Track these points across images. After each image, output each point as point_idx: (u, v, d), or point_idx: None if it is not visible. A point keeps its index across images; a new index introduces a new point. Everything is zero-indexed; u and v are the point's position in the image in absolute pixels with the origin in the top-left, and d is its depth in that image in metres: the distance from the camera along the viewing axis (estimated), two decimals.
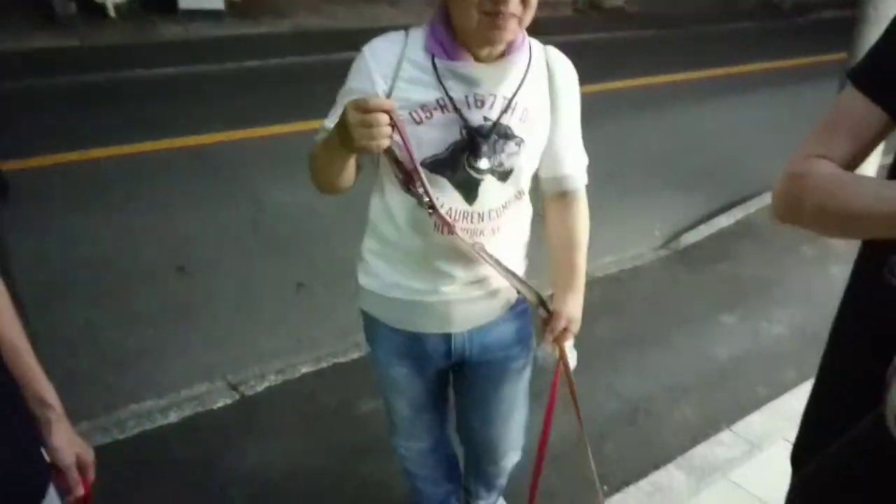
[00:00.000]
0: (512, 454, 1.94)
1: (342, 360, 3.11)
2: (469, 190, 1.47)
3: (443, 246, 1.51)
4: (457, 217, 1.48)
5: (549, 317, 1.63)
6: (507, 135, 1.47)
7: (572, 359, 1.70)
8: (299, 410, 2.81)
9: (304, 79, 7.58)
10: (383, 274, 1.61)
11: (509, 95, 1.46)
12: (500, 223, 1.54)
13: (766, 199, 4.99)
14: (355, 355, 3.12)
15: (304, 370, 3.03)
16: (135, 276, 3.73)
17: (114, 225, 4.26)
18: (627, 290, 3.80)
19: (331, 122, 1.42)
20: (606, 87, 7.30)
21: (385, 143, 1.27)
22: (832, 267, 4.01)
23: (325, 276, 3.79)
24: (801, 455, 1.32)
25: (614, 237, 4.49)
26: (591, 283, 3.83)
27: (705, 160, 5.89)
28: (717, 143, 6.34)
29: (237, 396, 2.87)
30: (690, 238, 4.46)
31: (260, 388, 2.92)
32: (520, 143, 1.49)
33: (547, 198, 1.66)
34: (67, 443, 1.15)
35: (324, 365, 3.07)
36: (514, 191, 1.54)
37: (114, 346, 3.19)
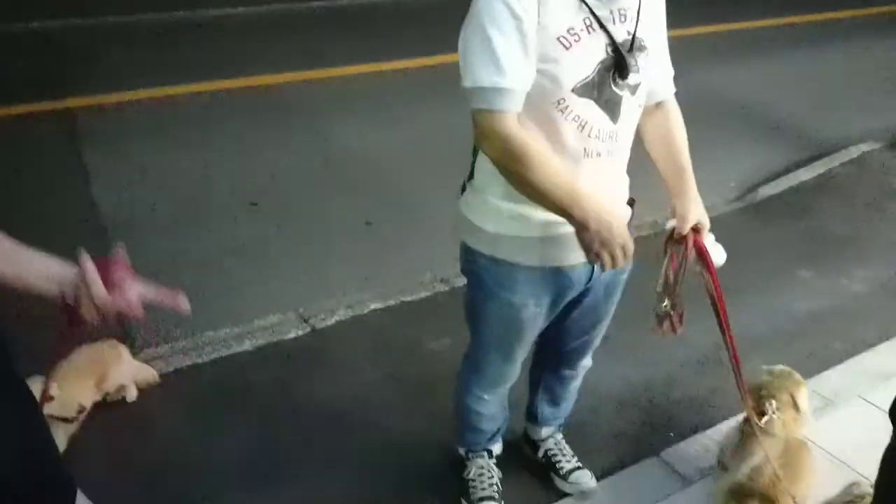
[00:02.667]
0: (588, 361, 2.04)
1: (409, 298, 3.15)
2: (613, 109, 1.49)
3: (592, 170, 1.52)
4: (603, 138, 1.50)
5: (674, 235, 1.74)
6: (641, 46, 1.49)
7: (719, 254, 1.76)
8: (368, 345, 2.87)
9: (374, 19, 7.54)
10: (523, 215, 1.55)
11: (637, 6, 1.47)
12: (629, 139, 1.60)
13: (851, 153, 4.77)
14: (423, 294, 3.16)
15: (373, 306, 3.08)
16: (211, 211, 3.84)
17: (190, 161, 4.37)
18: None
19: (483, 77, 1.37)
20: (683, 32, 6.99)
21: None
22: None
23: (392, 215, 3.82)
24: None
25: None
26: (660, 235, 3.79)
27: (785, 111, 5.63)
28: (799, 93, 6.05)
29: (308, 329, 2.95)
30: (768, 191, 4.30)
31: (330, 322, 2.99)
32: (648, 53, 1.51)
33: (644, 111, 1.64)
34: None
35: (392, 302, 3.12)
36: (641, 104, 1.57)
37: (192, 276, 3.29)
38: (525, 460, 2.25)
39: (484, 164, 1.57)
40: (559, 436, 2.23)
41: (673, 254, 1.77)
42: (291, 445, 2.34)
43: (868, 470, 1.78)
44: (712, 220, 4.01)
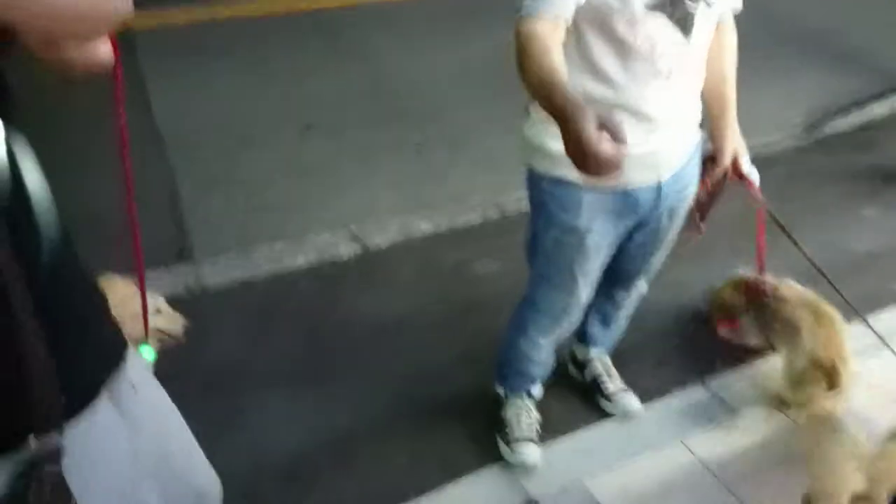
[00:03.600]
0: (644, 282, 2.03)
1: (459, 222, 3.17)
2: (686, 25, 1.44)
3: (662, 91, 1.48)
4: (675, 56, 1.46)
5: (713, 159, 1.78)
6: None
7: (755, 176, 1.87)
8: (416, 266, 2.91)
9: None
10: None
11: None
12: (703, 58, 1.55)
13: None
14: (472, 218, 3.17)
15: (423, 228, 3.11)
16: (266, 132, 3.88)
17: (244, 83, 4.39)
18: (765, 173, 3.60)
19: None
20: None
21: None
22: None
23: (442, 139, 3.80)
24: None
25: (748, 121, 4.20)
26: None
27: (863, 38, 5.31)
28: (880, 19, 5.68)
29: (359, 248, 3.00)
30: (836, 125, 4.12)
31: (380, 241, 3.03)
32: None
33: None
34: None
35: (441, 225, 3.14)
36: (714, 20, 1.52)
37: (247, 192, 3.37)
38: (563, 393, 2.26)
39: None
40: (606, 358, 2.23)
41: (707, 178, 1.84)
42: (336, 359, 2.42)
43: None
44: (776, 154, 3.93)
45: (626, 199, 1.62)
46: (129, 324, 1.98)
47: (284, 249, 2.97)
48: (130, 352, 1.09)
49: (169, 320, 1.98)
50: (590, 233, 1.65)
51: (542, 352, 1.98)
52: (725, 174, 1.87)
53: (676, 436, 2.10)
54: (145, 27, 4.98)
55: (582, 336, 2.20)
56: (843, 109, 4.33)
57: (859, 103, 4.39)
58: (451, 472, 2.00)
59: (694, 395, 2.26)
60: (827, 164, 3.74)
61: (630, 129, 1.45)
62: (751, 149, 3.90)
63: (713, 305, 2.48)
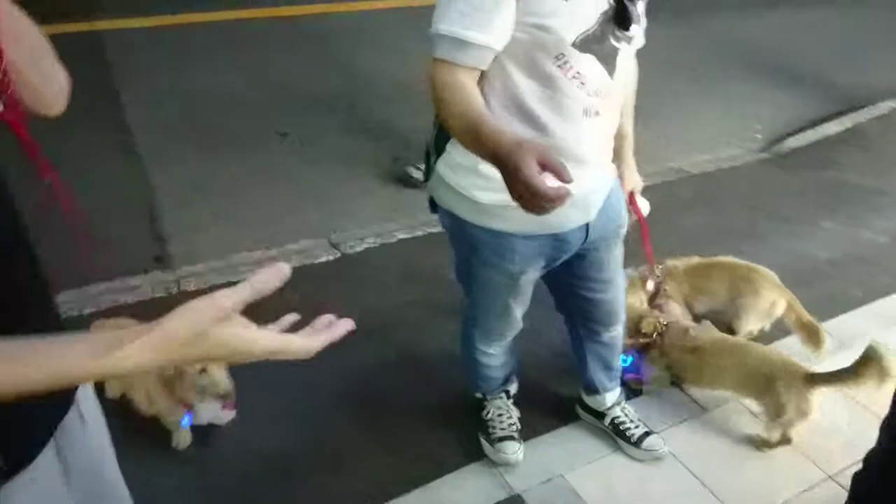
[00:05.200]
0: (622, 317, 2.01)
1: (436, 230, 3.21)
2: (610, 63, 1.43)
3: (591, 130, 1.48)
4: (602, 95, 1.44)
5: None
6: None
7: (645, 206, 1.93)
8: (395, 272, 2.95)
9: None
10: None
11: None
12: (621, 95, 1.55)
13: (882, 108, 4.74)
14: None
15: (401, 236, 3.16)
16: (241, 138, 3.90)
17: (220, 88, 4.41)
18: (723, 189, 3.74)
19: (448, 25, 1.31)
20: None
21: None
22: None
23: (419, 151, 3.85)
24: None
25: (711, 137, 4.38)
26: (684, 181, 3.84)
27: (818, 61, 5.56)
28: (834, 44, 5.96)
29: (338, 254, 3.04)
30: (793, 143, 4.30)
31: (359, 249, 3.07)
32: (643, 1, 1.46)
33: None
34: None
35: (419, 233, 3.19)
36: (632, 57, 1.53)
37: (223, 201, 3.38)
38: (541, 394, 2.30)
39: None
40: (624, 401, 2.17)
41: None
42: (321, 361, 2.41)
43: (878, 405, 1.86)
44: (738, 168, 4.08)
45: (556, 242, 1.64)
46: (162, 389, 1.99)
47: (263, 257, 3.00)
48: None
49: (216, 381, 1.93)
50: (524, 274, 1.68)
51: (495, 358, 2.02)
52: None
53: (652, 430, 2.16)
54: (116, 29, 4.98)
55: (592, 389, 2.13)
56: (801, 128, 4.52)
57: (815, 122, 4.59)
58: (437, 470, 2.04)
59: (667, 395, 2.34)
60: (787, 177, 3.90)
61: None
62: (717, 161, 4.09)
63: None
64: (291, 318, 0.79)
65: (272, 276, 0.71)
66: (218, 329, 0.67)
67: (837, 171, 3.97)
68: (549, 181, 1.09)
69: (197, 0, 5.54)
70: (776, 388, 2.04)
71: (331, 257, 3.02)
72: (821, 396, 2.06)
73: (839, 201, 3.63)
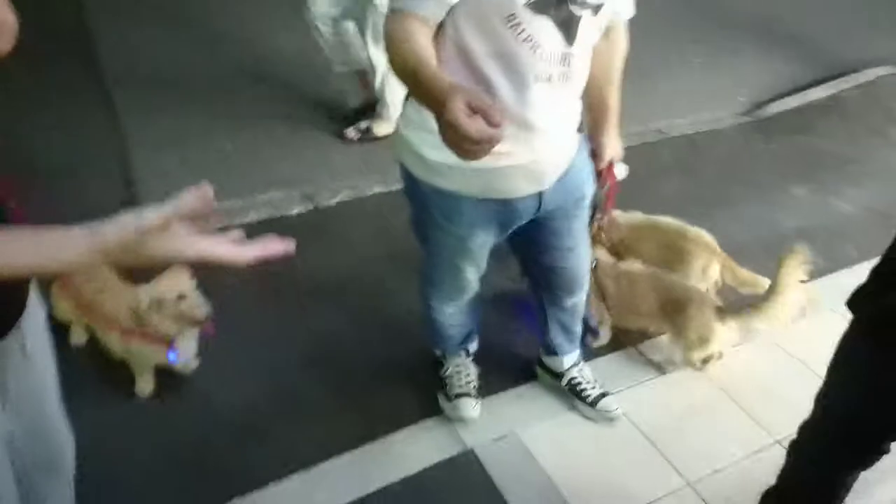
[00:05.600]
0: (584, 286, 2.03)
1: None
2: (569, 29, 1.40)
3: (541, 95, 1.44)
4: (554, 61, 1.42)
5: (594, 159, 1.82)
6: None
7: (622, 170, 1.95)
8: (367, 225, 2.96)
9: None
10: None
11: None
12: (586, 63, 1.52)
13: (867, 75, 4.72)
14: None
15: (376, 189, 3.15)
16: (216, 88, 3.84)
17: (197, 38, 4.32)
18: (701, 153, 3.75)
19: None
20: None
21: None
22: None
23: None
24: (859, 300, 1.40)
25: (696, 99, 4.36)
26: (664, 142, 3.84)
27: (808, 26, 5.50)
28: (822, 9, 5.89)
29: (311, 206, 3.04)
30: (776, 107, 4.30)
31: (332, 202, 3.07)
32: None
33: None
34: None
35: (393, 188, 3.18)
36: (601, 26, 1.49)
37: (196, 150, 3.35)
38: (500, 353, 2.34)
39: None
40: (581, 363, 2.20)
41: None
42: (285, 315, 2.47)
43: None
44: (717, 132, 4.04)
45: (505, 209, 1.62)
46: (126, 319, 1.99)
47: (234, 206, 2.99)
48: (30, 300, 1.10)
49: (194, 306, 1.96)
50: (471, 237, 1.68)
51: (453, 317, 2.04)
52: (600, 173, 1.92)
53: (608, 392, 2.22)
54: None
55: (550, 350, 2.16)
56: (785, 93, 4.51)
57: (799, 88, 4.57)
58: (396, 424, 2.09)
59: (626, 356, 2.39)
60: (764, 143, 3.91)
61: (511, 137, 1.41)
62: (699, 124, 4.08)
63: None
64: (236, 234, 0.89)
65: (195, 197, 0.81)
66: (147, 241, 0.79)
67: (815, 137, 3.98)
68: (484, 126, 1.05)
69: None
70: (687, 311, 2.21)
71: (303, 209, 3.02)
72: (730, 330, 2.24)
73: (813, 168, 3.65)
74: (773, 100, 4.42)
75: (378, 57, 3.29)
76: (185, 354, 2.09)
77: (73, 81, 3.76)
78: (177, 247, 0.80)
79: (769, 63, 4.94)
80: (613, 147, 1.89)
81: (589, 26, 1.44)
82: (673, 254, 2.49)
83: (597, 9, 1.43)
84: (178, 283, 1.96)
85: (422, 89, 1.20)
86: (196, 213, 0.81)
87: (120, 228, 0.78)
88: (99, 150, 3.30)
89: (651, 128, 3.96)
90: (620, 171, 1.98)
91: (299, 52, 4.23)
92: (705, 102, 4.34)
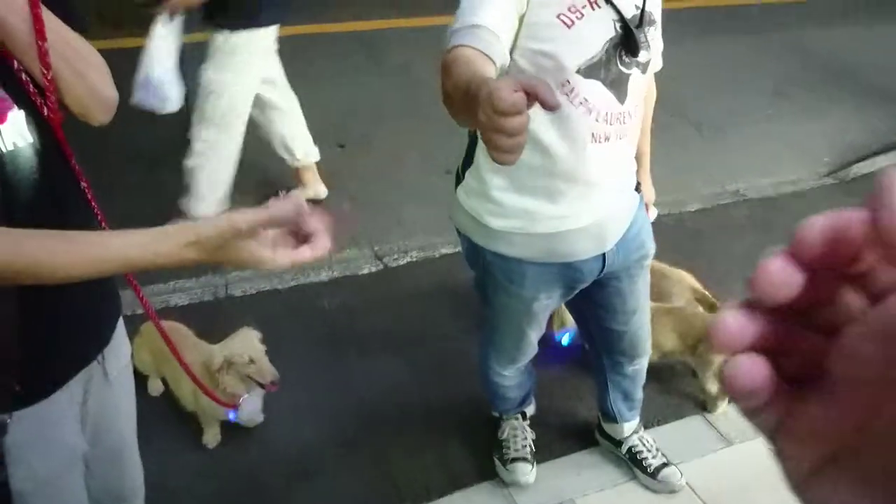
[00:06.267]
0: (647, 350, 1.98)
1: None
2: (620, 88, 1.43)
3: (599, 156, 1.47)
4: (611, 121, 1.44)
5: None
6: (651, 20, 1.44)
7: (652, 213, 1.92)
8: (436, 284, 3.02)
9: None
10: (522, 209, 1.52)
11: None
12: (639, 120, 1.55)
13: None
14: None
15: (444, 251, 3.22)
16: None
17: None
18: (780, 212, 3.63)
19: (457, 23, 1.27)
20: None
21: (517, 157, 0.87)
22: None
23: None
24: None
25: (775, 159, 4.25)
26: (740, 204, 3.74)
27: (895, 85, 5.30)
28: None
29: (381, 266, 3.13)
30: (863, 168, 4.12)
31: (402, 262, 3.16)
32: (657, 27, 1.46)
33: None
34: None
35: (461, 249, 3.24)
36: (649, 82, 1.52)
37: None
38: (559, 417, 2.32)
39: (482, 151, 1.52)
40: (642, 430, 2.16)
41: None
42: (351, 367, 2.53)
43: None
44: (799, 193, 3.96)
45: (569, 271, 1.63)
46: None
47: (308, 265, 3.10)
48: (117, 334, 1.19)
49: (263, 370, 2.07)
50: (536, 300, 1.69)
51: (510, 379, 2.03)
52: None
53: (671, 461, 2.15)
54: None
55: (609, 417, 2.13)
56: (872, 153, 4.33)
57: (888, 147, 4.39)
58: (451, 483, 2.09)
59: (692, 424, 2.31)
60: (850, 204, 3.73)
61: (571, 199, 1.49)
62: (778, 185, 3.97)
63: None
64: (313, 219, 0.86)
65: (288, 206, 0.83)
66: (237, 242, 0.82)
67: None
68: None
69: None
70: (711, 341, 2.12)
71: (374, 268, 3.11)
72: None
73: None
74: (858, 160, 4.25)
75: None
76: (248, 413, 2.17)
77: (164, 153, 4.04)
78: (266, 254, 0.83)
79: (856, 117, 4.77)
80: (647, 191, 1.89)
81: (639, 83, 1.47)
82: (654, 294, 2.44)
83: (645, 66, 1.46)
84: (249, 346, 2.07)
85: (472, 97, 0.96)
86: (288, 222, 0.84)
87: (216, 224, 0.83)
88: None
89: (727, 189, 3.89)
90: (652, 214, 1.97)
91: (381, 115, 4.44)
92: (786, 162, 4.22)
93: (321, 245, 0.85)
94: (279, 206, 0.83)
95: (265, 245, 0.84)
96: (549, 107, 0.84)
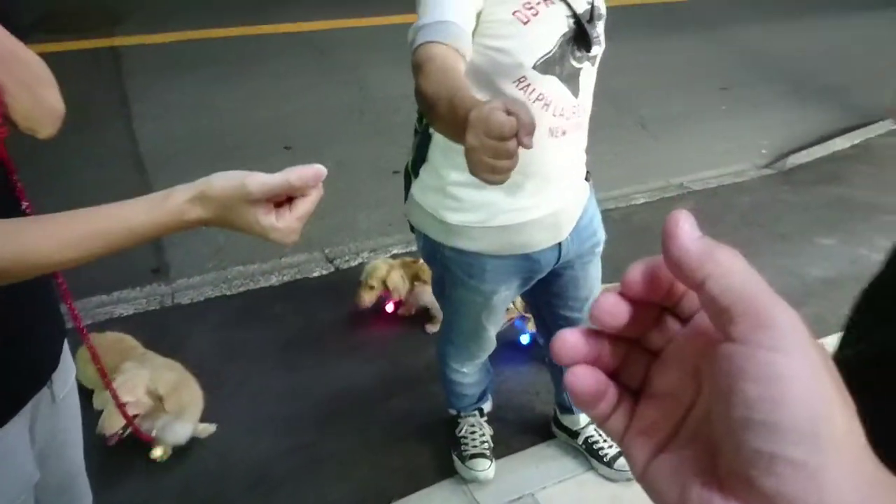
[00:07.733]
0: None
1: None
2: (573, 83, 1.45)
3: (557, 150, 1.49)
4: (567, 115, 1.46)
5: None
6: (599, 14, 1.46)
7: None
8: None
9: None
10: (481, 203, 1.52)
11: None
12: (588, 113, 1.56)
13: (889, 124, 4.68)
14: None
15: (395, 251, 3.20)
16: (247, 151, 3.98)
17: (229, 101, 4.51)
18: (724, 204, 3.73)
19: (423, 20, 1.27)
20: None
21: (508, 178, 0.94)
22: None
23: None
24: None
25: (718, 152, 4.37)
26: (686, 196, 3.83)
27: (832, 76, 5.51)
28: (850, 59, 5.90)
29: (332, 268, 3.09)
30: (800, 158, 4.27)
31: (353, 263, 3.12)
32: (604, 20, 1.48)
33: None
34: None
35: (414, 248, 3.23)
36: (595, 73, 1.54)
37: None
38: (516, 412, 2.32)
39: (437, 148, 1.55)
40: None
41: None
42: (306, 373, 2.49)
43: None
44: (741, 184, 4.04)
45: (527, 263, 1.64)
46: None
47: (259, 270, 3.06)
48: (64, 354, 1.14)
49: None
50: (496, 293, 1.69)
51: (469, 376, 2.03)
52: None
53: None
54: (132, 45, 5.12)
55: (564, 406, 2.15)
56: (809, 143, 4.49)
57: (824, 137, 4.55)
58: (411, 484, 2.07)
59: None
60: (789, 193, 3.87)
61: (528, 192, 1.50)
62: (720, 177, 4.07)
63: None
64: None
65: (309, 173, 0.78)
66: (243, 207, 0.78)
67: (842, 187, 3.93)
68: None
69: (215, 16, 5.68)
70: None
71: (325, 271, 3.07)
72: None
73: (841, 218, 3.60)
74: (795, 151, 4.40)
75: None
76: (174, 439, 2.11)
77: (107, 147, 3.92)
78: (273, 222, 0.79)
79: (794, 111, 4.95)
80: None
81: (590, 77, 1.50)
82: None
83: (594, 60, 1.49)
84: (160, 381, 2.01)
85: (461, 112, 1.00)
86: (304, 192, 0.80)
87: (227, 183, 0.78)
88: None
89: (671, 183, 3.97)
90: None
91: (327, 117, 4.40)
92: (727, 155, 4.34)
93: (313, 196, 0.80)
94: (299, 174, 0.77)
95: (270, 211, 0.79)
96: (524, 145, 0.89)
